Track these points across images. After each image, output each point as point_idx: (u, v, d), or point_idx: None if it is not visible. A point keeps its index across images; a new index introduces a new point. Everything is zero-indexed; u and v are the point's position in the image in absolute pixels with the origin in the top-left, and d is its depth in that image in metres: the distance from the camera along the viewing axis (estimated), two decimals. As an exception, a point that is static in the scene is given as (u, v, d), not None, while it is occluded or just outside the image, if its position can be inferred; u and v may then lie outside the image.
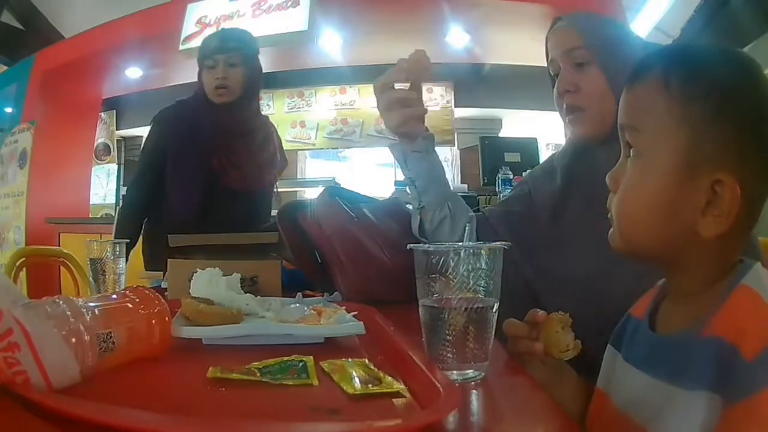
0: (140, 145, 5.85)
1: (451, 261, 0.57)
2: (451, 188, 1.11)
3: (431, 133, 1.09)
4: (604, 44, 0.96)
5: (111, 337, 0.54)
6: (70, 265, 1.97)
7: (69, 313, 0.50)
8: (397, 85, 1.03)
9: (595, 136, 0.97)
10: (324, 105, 5.35)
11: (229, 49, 1.64)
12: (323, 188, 1.16)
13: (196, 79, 1.73)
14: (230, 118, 1.66)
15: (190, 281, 0.83)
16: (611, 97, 0.92)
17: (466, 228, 0.74)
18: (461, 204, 1.09)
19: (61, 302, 0.51)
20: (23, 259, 1.82)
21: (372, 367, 0.58)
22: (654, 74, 0.60)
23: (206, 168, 1.61)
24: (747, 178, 0.55)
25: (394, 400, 0.50)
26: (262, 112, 1.87)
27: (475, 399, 0.54)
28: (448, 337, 0.57)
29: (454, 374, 0.57)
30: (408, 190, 1.11)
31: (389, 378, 0.53)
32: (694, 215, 0.56)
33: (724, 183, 0.55)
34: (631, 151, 0.61)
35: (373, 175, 5.91)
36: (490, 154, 4.22)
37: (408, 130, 1.06)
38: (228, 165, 1.61)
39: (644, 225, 0.60)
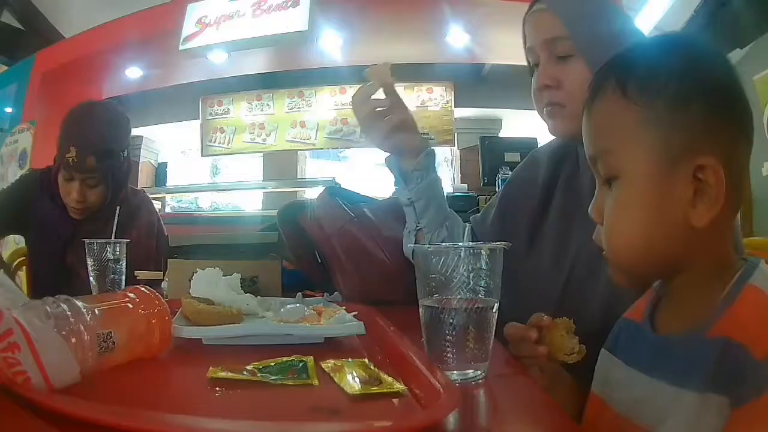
0: (140, 144, 5.89)
1: (451, 261, 0.57)
2: (448, 193, 1.06)
3: (432, 148, 1.00)
4: (591, 35, 0.86)
5: (111, 337, 0.54)
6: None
7: (69, 313, 0.50)
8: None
9: (575, 134, 0.89)
10: (324, 105, 5.35)
11: (86, 170, 1.39)
12: (323, 188, 1.16)
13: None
14: (89, 227, 1.46)
15: (190, 281, 0.84)
16: None
17: (466, 228, 0.73)
18: (457, 220, 1.04)
19: (61, 302, 0.51)
20: (22, 258, 1.82)
21: (372, 367, 0.58)
22: (608, 88, 0.59)
23: (62, 261, 1.46)
24: (726, 157, 0.55)
25: (394, 400, 0.50)
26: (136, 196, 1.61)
27: (475, 399, 0.54)
28: (448, 337, 0.57)
29: (454, 374, 0.56)
30: (405, 209, 1.02)
31: (389, 378, 0.53)
32: (684, 210, 0.55)
33: (706, 167, 0.54)
34: (610, 177, 0.60)
35: (373, 175, 5.91)
36: (490, 154, 4.22)
37: (400, 140, 0.96)
38: (81, 266, 1.35)
39: (640, 241, 0.58)
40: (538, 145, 1.10)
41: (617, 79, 0.59)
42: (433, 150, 1.01)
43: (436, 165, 1.01)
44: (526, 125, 4.97)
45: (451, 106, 5.14)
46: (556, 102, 0.89)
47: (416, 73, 4.94)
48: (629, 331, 0.66)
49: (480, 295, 0.57)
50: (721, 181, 0.54)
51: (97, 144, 1.41)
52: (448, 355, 0.57)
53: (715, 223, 0.55)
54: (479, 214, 1.13)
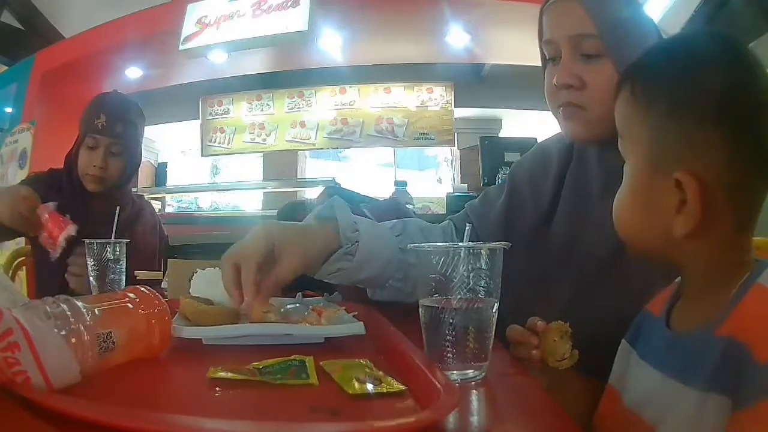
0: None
1: (451, 261, 0.57)
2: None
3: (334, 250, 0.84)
4: (622, 35, 0.80)
5: (111, 337, 0.54)
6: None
7: (69, 313, 0.50)
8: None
9: (591, 139, 0.86)
10: (324, 105, 5.35)
11: (114, 135, 1.46)
12: (323, 188, 1.16)
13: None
14: (99, 207, 1.46)
15: (190, 281, 0.84)
16: None
17: (467, 228, 0.73)
18: (411, 261, 0.89)
19: (61, 302, 0.51)
20: (22, 258, 1.82)
21: (372, 367, 0.58)
22: (627, 83, 0.62)
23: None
24: (708, 174, 0.54)
25: (394, 400, 0.50)
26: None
27: (475, 399, 0.54)
28: (448, 337, 0.57)
29: (454, 374, 0.56)
30: None
31: (389, 378, 0.53)
32: (669, 215, 0.56)
33: (683, 181, 0.55)
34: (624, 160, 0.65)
35: (373, 175, 5.92)
36: (490, 154, 4.22)
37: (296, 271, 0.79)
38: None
39: (628, 223, 0.63)
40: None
41: (632, 77, 0.62)
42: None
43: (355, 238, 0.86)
44: (526, 125, 4.98)
45: (451, 106, 5.14)
46: (576, 103, 0.83)
47: (416, 73, 4.95)
48: (648, 324, 0.66)
49: (480, 295, 0.57)
50: (697, 196, 0.54)
51: (126, 114, 1.53)
52: (448, 355, 0.57)
53: (713, 234, 0.56)
54: (477, 201, 1.09)
